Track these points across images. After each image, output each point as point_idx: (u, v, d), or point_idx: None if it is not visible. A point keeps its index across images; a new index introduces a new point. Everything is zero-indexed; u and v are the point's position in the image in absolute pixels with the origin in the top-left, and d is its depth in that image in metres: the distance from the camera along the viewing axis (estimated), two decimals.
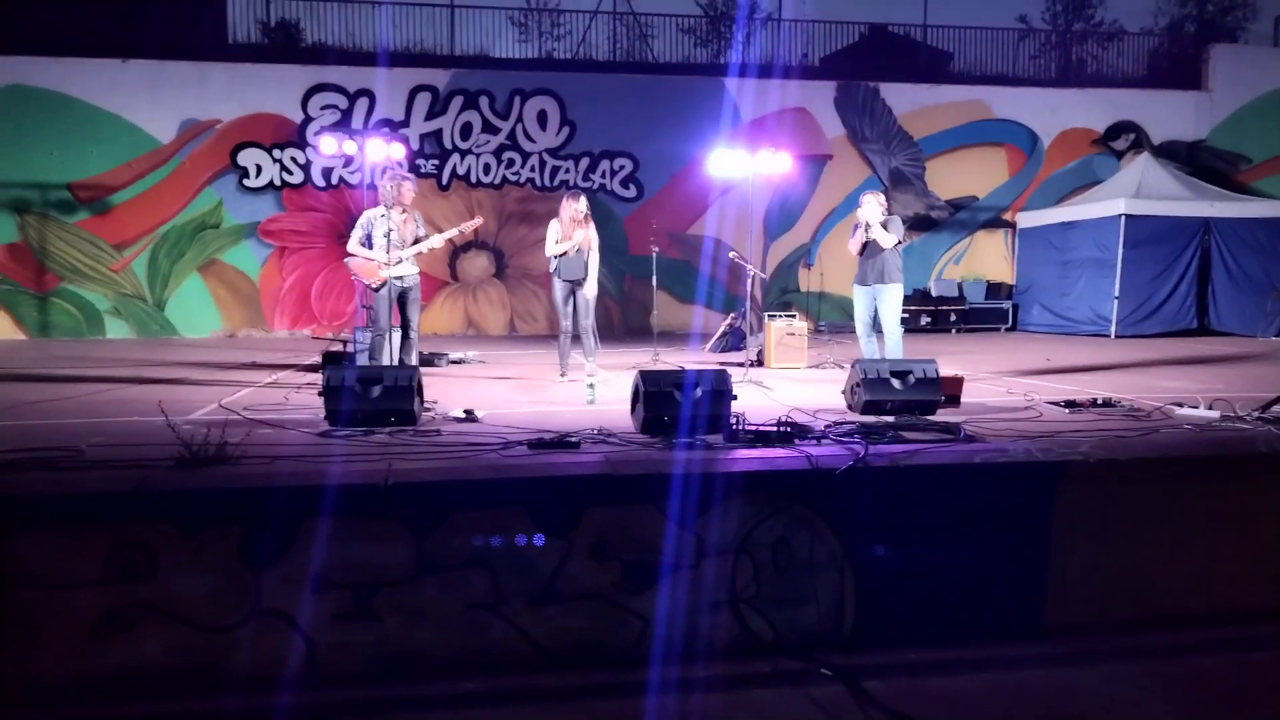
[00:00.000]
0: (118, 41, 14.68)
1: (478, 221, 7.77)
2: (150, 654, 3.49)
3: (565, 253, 7.66)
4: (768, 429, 4.56)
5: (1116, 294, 13.90)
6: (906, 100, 16.69)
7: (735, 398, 4.74)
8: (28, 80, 14.40)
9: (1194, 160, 16.90)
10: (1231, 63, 17.50)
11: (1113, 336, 13.74)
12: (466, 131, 15.61)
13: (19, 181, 14.41)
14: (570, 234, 7.65)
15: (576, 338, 7.87)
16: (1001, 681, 3.71)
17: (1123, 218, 13.86)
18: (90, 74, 14.57)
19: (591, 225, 7.78)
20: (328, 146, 10.33)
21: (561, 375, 7.83)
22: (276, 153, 15.13)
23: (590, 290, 7.76)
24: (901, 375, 5.35)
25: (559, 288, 7.80)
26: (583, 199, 7.79)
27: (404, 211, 7.09)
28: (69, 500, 3.53)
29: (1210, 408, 5.42)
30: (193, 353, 11.44)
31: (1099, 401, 5.84)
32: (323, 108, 15.24)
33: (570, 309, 7.82)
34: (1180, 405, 5.62)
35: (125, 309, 14.93)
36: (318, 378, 6.19)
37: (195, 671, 3.52)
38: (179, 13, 15.54)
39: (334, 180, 15.22)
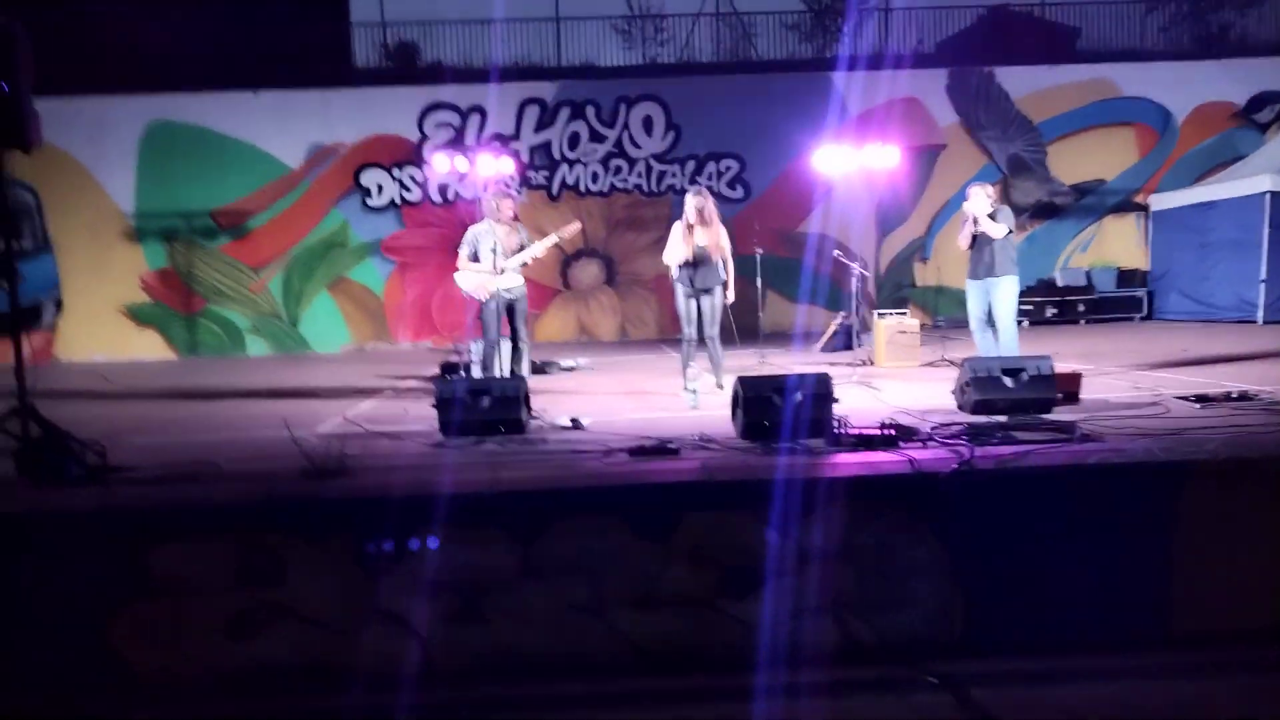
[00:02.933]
0: (250, 71, 15.54)
1: (576, 226, 7.54)
2: (279, 653, 3.74)
3: (688, 260, 7.00)
4: (870, 432, 4.49)
5: (1263, 277, 12.94)
6: (1024, 83, 16.01)
7: (837, 401, 4.68)
8: (172, 116, 15.52)
9: None
10: None
11: (1260, 322, 12.80)
12: (574, 141, 15.90)
13: (168, 211, 15.55)
14: (690, 235, 6.96)
15: (701, 343, 7.22)
16: (1125, 693, 3.55)
17: (1268, 195, 12.90)
18: (225, 106, 15.58)
19: (719, 226, 7.09)
20: (440, 164, 10.73)
21: (686, 387, 6.99)
22: (396, 172, 15.81)
23: (720, 297, 7.13)
24: (1013, 373, 5.15)
25: (683, 292, 7.16)
26: (704, 192, 7.10)
27: (507, 224, 7.25)
28: (206, 512, 3.82)
29: None
30: (324, 367, 12.08)
31: (1234, 395, 5.49)
32: (437, 126, 15.82)
33: (695, 314, 7.14)
34: None
35: (263, 327, 15.89)
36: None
37: (320, 670, 3.74)
38: (307, 40, 16.29)
39: (450, 196, 15.78)
